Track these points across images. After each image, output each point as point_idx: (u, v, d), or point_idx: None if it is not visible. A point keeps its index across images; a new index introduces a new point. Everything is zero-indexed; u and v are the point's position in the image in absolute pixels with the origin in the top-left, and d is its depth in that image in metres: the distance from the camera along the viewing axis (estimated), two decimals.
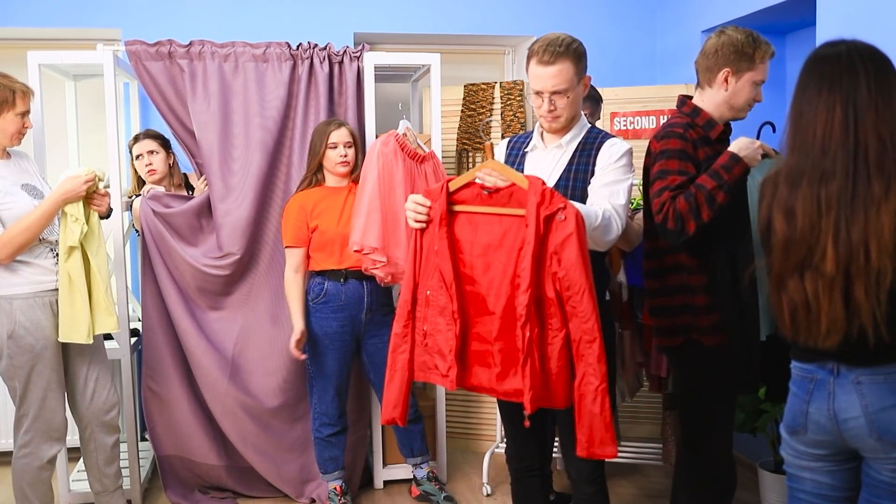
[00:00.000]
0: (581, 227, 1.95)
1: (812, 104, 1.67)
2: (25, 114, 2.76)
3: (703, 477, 2.39)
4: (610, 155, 2.22)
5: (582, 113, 2.34)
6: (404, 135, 3.21)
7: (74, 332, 2.72)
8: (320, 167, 3.18)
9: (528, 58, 2.22)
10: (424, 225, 2.11)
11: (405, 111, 3.46)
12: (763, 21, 3.46)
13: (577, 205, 2.04)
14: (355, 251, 3.05)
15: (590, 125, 2.34)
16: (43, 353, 2.73)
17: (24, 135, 2.80)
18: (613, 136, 2.30)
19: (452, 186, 2.10)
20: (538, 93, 2.21)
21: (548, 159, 2.30)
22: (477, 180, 2.08)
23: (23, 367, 2.71)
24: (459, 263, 2.08)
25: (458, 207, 2.10)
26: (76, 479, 3.46)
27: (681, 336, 2.32)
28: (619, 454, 3.46)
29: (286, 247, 3.18)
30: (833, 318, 1.63)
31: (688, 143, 2.24)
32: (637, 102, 3.78)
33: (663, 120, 3.72)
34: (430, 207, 2.10)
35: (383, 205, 3.06)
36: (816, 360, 1.72)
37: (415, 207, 2.12)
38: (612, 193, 2.17)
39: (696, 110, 2.34)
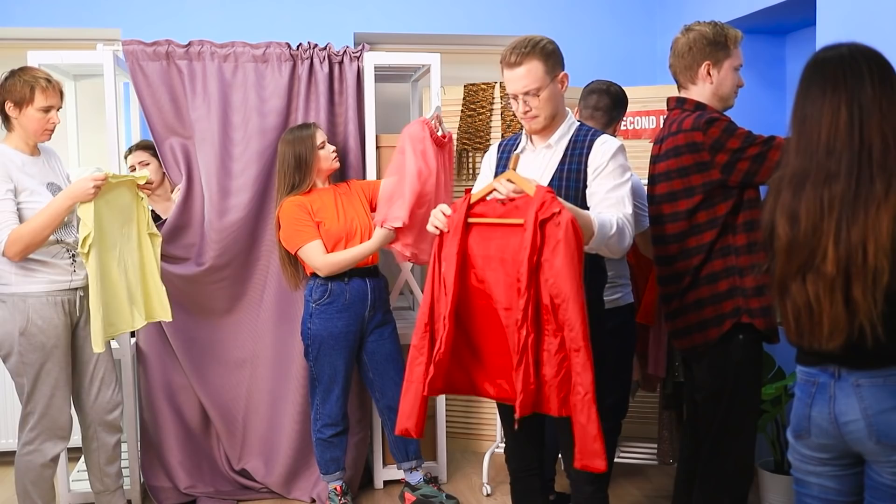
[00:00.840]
0: (572, 234, 1.92)
1: (816, 106, 1.67)
2: (49, 109, 2.74)
3: (729, 477, 2.37)
4: (602, 154, 2.21)
5: (568, 110, 2.32)
6: (435, 123, 3.22)
7: (94, 341, 2.71)
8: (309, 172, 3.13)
9: (500, 63, 2.23)
10: (438, 231, 2.12)
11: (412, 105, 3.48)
12: (763, 21, 3.46)
13: (594, 215, 2.04)
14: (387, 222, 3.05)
15: (579, 123, 2.32)
16: (53, 352, 2.74)
17: (51, 131, 2.79)
18: (603, 133, 2.28)
19: (474, 198, 2.11)
20: (514, 96, 2.23)
21: (538, 160, 2.30)
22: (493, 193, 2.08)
23: (32, 365, 2.72)
24: (471, 276, 2.08)
25: (473, 219, 2.09)
26: (76, 478, 3.46)
27: (729, 320, 2.28)
28: (619, 454, 3.46)
29: (302, 246, 3.05)
30: (835, 319, 1.62)
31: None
32: (637, 102, 3.77)
33: (663, 120, 3.72)
34: (449, 217, 2.11)
35: (421, 189, 3.06)
36: (819, 364, 1.72)
37: (437, 215, 2.13)
38: (618, 201, 2.17)
39: (701, 105, 2.35)
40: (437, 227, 2.13)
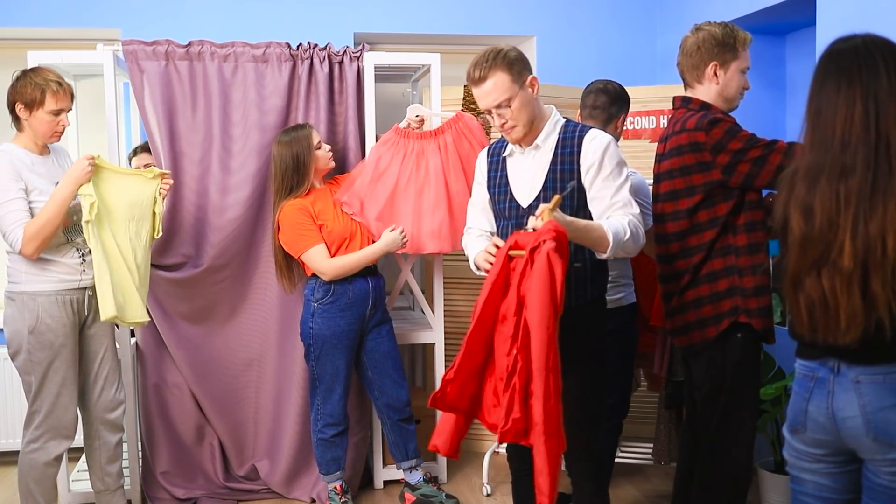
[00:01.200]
0: (545, 265, 1.90)
1: (831, 100, 1.65)
2: (59, 112, 2.74)
3: (727, 477, 2.37)
4: (593, 151, 2.19)
5: (553, 108, 2.30)
6: (408, 125, 3.29)
7: (103, 307, 2.71)
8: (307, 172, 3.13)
9: (467, 81, 2.21)
10: (489, 266, 2.10)
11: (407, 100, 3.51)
12: (763, 21, 3.46)
13: (606, 225, 2.05)
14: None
15: (565, 119, 2.30)
16: (61, 351, 2.75)
17: (60, 133, 2.80)
18: (591, 128, 2.26)
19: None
20: (487, 111, 2.21)
21: (527, 162, 2.28)
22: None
23: (41, 363, 2.73)
24: (501, 306, 2.07)
25: (512, 252, 2.08)
26: (76, 478, 3.47)
27: (727, 319, 2.29)
28: (619, 454, 3.46)
29: (306, 251, 3.06)
30: (852, 313, 1.61)
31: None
32: (637, 102, 3.77)
33: (663, 120, 3.72)
34: (498, 249, 2.09)
35: (363, 178, 3.21)
36: (819, 358, 1.71)
37: (489, 248, 2.12)
38: (625, 203, 2.17)
39: (706, 105, 2.35)
40: (487, 261, 2.12)
